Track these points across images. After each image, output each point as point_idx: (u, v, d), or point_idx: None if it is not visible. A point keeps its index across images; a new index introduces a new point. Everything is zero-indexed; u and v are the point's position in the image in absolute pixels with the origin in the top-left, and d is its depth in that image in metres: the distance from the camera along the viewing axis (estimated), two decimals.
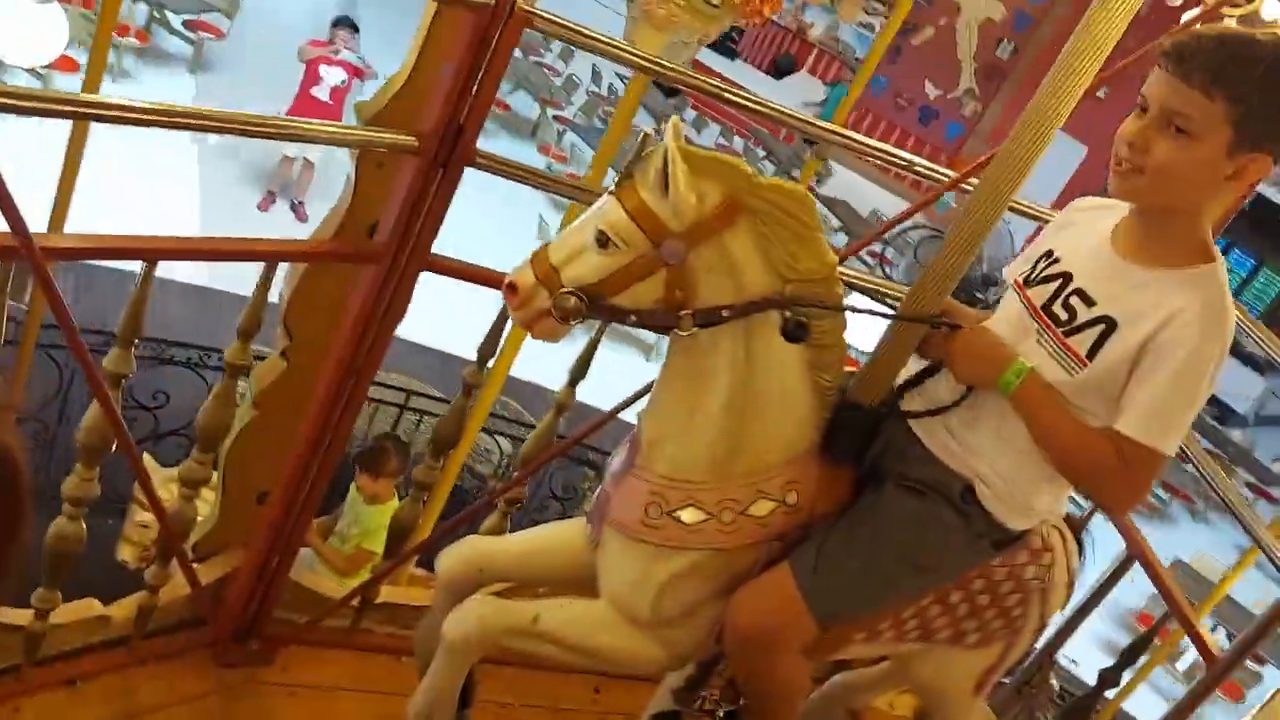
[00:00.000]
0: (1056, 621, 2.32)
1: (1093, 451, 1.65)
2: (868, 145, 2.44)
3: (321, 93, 8.30)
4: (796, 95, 14.75)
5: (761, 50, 17.27)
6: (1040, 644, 2.35)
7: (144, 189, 7.81)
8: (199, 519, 2.34)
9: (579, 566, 1.98)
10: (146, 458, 4.90)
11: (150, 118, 1.74)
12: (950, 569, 1.86)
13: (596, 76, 13.50)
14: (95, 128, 3.10)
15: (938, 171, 2.31)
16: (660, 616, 1.83)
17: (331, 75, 8.30)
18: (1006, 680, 2.50)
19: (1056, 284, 1.74)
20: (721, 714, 2.08)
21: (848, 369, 1.81)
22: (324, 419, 2.18)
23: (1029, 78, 15.03)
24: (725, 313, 1.66)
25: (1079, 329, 1.68)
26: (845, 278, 2.17)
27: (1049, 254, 1.80)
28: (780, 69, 16.94)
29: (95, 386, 1.84)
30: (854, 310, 1.76)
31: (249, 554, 2.37)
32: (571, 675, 2.61)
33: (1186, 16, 4.20)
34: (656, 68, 2.09)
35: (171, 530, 2.16)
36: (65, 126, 3.16)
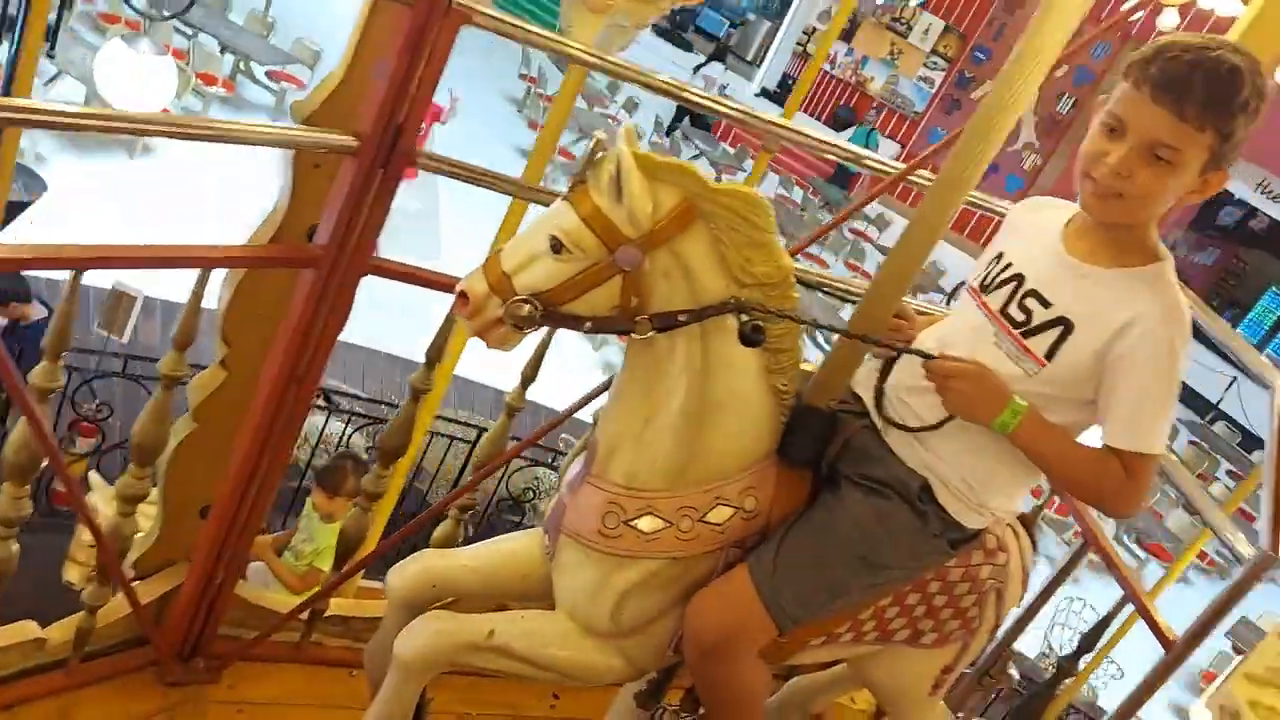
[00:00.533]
0: (1015, 612, 2.32)
1: (1101, 473, 1.68)
2: (812, 138, 2.41)
3: None
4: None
5: (822, 102, 17.53)
6: (1000, 634, 2.35)
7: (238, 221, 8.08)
8: (139, 535, 2.27)
9: (535, 578, 1.95)
10: (94, 475, 4.80)
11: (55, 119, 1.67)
12: (907, 568, 1.85)
13: (658, 126, 14.31)
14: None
15: (886, 164, 2.29)
16: (619, 627, 1.80)
17: None
18: (967, 670, 2.49)
19: (1011, 286, 1.75)
20: None
21: (804, 370, 1.79)
22: (266, 429, 2.11)
23: None
24: (682, 317, 1.63)
25: (1037, 330, 1.69)
26: (804, 277, 2.15)
27: (999, 257, 1.81)
28: (840, 121, 17.12)
29: (21, 402, 1.77)
30: (813, 325, 1.74)
31: (192, 569, 2.30)
32: (530, 682, 2.58)
33: (1126, 5, 4.24)
34: (588, 58, 2.05)
35: (109, 548, 2.08)
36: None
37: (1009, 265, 1.77)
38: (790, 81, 17.57)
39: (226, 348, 2.13)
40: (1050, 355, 1.68)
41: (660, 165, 1.58)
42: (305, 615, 2.46)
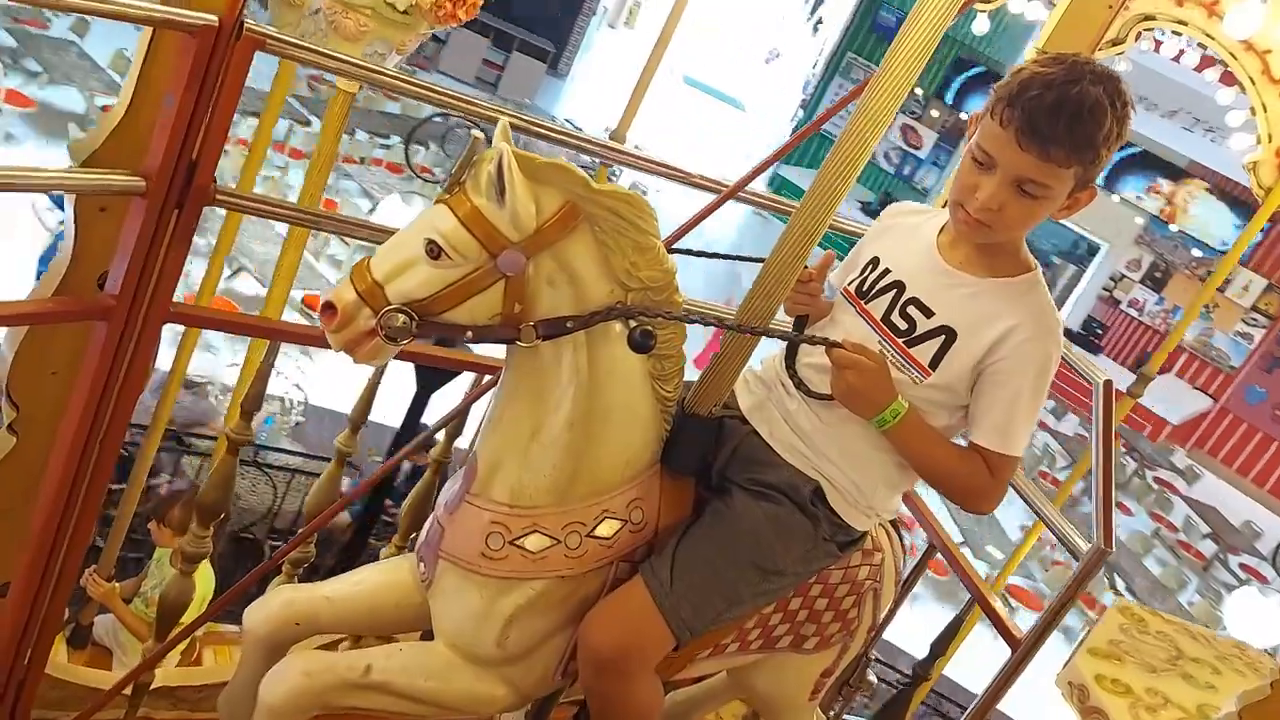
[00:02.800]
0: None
1: (968, 472, 1.73)
2: (648, 161, 2.38)
3: None
4: (1164, 396, 14.17)
5: (1126, 347, 16.41)
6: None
7: None
8: None
9: (409, 608, 1.84)
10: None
11: None
12: (800, 573, 1.83)
13: None
14: None
15: (715, 183, 2.27)
16: (505, 653, 1.72)
17: None
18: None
19: (891, 294, 1.76)
20: None
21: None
22: (66, 497, 1.93)
23: None
24: (569, 324, 1.57)
25: (920, 339, 1.72)
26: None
27: (875, 262, 1.82)
28: (1137, 364, 15.38)
29: None
30: (700, 321, 1.70)
31: None
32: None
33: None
34: (396, 82, 1.96)
35: None
36: None
37: (887, 271, 1.79)
38: (1096, 326, 16.53)
39: (14, 411, 1.93)
40: (935, 364, 1.71)
41: (542, 165, 1.50)
42: (129, 690, 2.27)
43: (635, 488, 1.71)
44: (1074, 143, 1.59)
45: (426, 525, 1.82)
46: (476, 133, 1.50)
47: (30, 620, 2.04)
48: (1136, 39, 3.87)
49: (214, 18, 1.66)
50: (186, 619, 2.21)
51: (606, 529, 1.69)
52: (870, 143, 1.68)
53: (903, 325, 1.74)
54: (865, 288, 1.80)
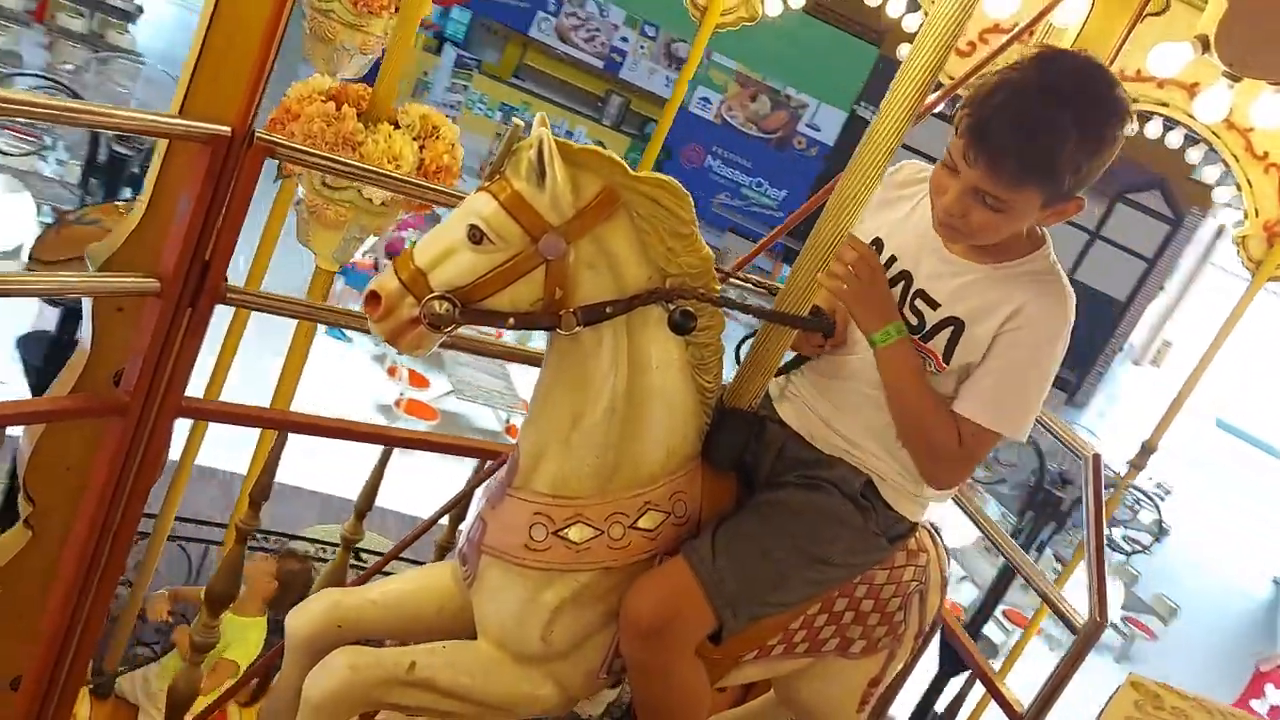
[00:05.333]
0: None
1: (939, 425, 1.71)
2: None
3: (1263, 706, 7.46)
4: None
5: None
6: None
7: None
8: None
9: (452, 611, 1.85)
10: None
11: None
12: (848, 565, 1.83)
13: None
14: None
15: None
16: (550, 648, 1.72)
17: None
18: None
19: (900, 286, 1.77)
20: None
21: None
22: (78, 590, 1.97)
23: None
24: (609, 309, 1.60)
25: (932, 333, 1.73)
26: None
27: (879, 245, 1.82)
28: None
29: None
30: (739, 307, 1.73)
31: None
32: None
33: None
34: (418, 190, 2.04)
35: None
36: None
37: (893, 259, 1.79)
38: None
39: (30, 506, 1.99)
40: (948, 356, 1.72)
41: (580, 151, 1.55)
42: None
43: (677, 480, 1.72)
44: (1024, 167, 1.56)
45: (466, 525, 1.83)
46: (517, 120, 1.54)
47: (41, 713, 2.06)
48: None
49: (226, 128, 1.75)
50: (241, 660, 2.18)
51: (649, 521, 1.70)
52: (853, 214, 1.76)
53: (913, 321, 1.75)
54: None
